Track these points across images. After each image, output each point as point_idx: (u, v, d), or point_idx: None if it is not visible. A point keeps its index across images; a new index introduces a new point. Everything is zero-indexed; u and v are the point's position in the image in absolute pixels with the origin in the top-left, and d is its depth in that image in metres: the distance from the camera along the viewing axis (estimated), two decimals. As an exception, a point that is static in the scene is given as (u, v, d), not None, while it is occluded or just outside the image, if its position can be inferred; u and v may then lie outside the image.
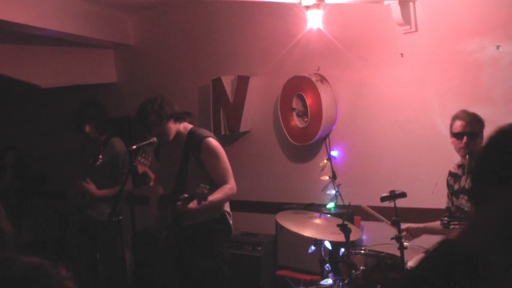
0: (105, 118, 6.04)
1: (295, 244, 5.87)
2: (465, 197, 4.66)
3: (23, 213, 8.72)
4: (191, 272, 4.88)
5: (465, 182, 4.65)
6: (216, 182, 4.70)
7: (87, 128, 5.89)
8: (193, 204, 4.41)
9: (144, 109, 4.69)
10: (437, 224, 4.58)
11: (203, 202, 4.36)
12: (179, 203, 4.38)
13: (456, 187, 4.77)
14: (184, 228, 4.77)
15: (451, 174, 4.87)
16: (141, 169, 4.91)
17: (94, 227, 5.87)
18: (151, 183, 5.83)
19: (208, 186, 4.33)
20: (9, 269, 1.53)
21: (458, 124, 4.57)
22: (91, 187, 5.78)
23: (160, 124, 4.66)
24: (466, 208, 4.65)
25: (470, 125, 4.53)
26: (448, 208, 4.89)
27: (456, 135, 4.58)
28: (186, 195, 4.30)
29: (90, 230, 5.92)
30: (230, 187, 4.72)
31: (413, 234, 4.77)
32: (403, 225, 4.59)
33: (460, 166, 4.74)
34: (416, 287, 1.67)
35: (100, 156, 5.59)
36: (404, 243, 4.08)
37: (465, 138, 4.52)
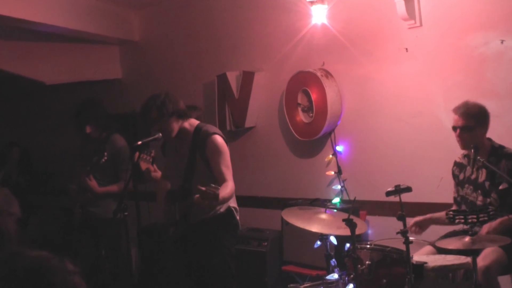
0: (105, 115, 6.05)
1: (301, 240, 5.87)
2: (470, 187, 4.67)
3: (29, 210, 8.72)
4: (198, 268, 4.89)
5: (470, 172, 4.66)
6: (217, 179, 4.70)
7: (88, 129, 5.91)
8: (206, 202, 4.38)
9: (146, 105, 4.71)
10: (442, 214, 4.60)
11: (214, 202, 4.33)
12: (197, 196, 4.29)
13: (461, 177, 4.79)
14: (192, 225, 4.78)
15: (456, 164, 4.89)
16: (143, 166, 4.91)
17: (97, 224, 5.89)
18: (154, 174, 5.83)
19: (219, 187, 4.30)
20: (15, 264, 1.54)
21: (455, 117, 4.65)
22: (93, 183, 5.79)
23: (161, 120, 4.66)
24: (471, 198, 4.66)
25: (463, 118, 4.59)
26: (455, 199, 4.90)
27: (453, 128, 4.68)
28: (204, 188, 4.22)
29: (93, 227, 5.93)
30: (232, 185, 4.71)
31: (422, 226, 4.77)
32: (409, 222, 4.61)
33: (465, 156, 4.76)
34: None
35: (106, 154, 5.60)
36: (410, 238, 4.08)
37: (457, 131, 4.62)
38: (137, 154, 4.68)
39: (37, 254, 1.59)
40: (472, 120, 4.56)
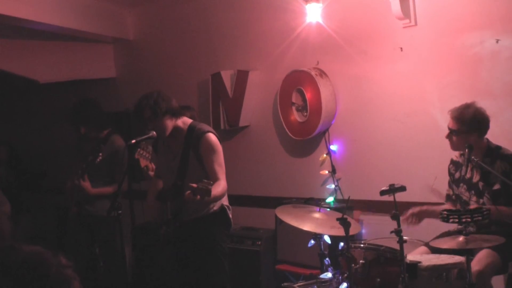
0: (99, 115, 6.02)
1: (295, 239, 5.87)
2: (465, 186, 4.68)
3: (21, 209, 8.70)
4: (191, 267, 4.89)
5: (465, 172, 4.66)
6: (210, 178, 4.69)
7: (83, 130, 5.90)
8: (197, 197, 4.37)
9: (139, 104, 4.71)
10: (438, 208, 4.61)
11: (206, 198, 4.31)
12: (188, 192, 4.27)
13: (457, 175, 4.79)
14: (184, 223, 4.77)
15: (452, 162, 4.90)
16: (143, 162, 4.91)
17: (92, 221, 5.89)
18: (151, 173, 5.81)
19: (211, 182, 4.30)
20: (8, 257, 1.55)
21: (449, 119, 4.69)
22: (86, 185, 5.77)
23: (155, 119, 4.66)
24: (464, 197, 4.66)
25: (455, 122, 4.62)
26: (448, 196, 4.90)
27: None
28: (195, 185, 4.20)
29: (88, 225, 5.93)
30: (224, 183, 4.70)
31: (419, 217, 4.75)
32: (406, 212, 4.63)
33: (462, 154, 4.76)
34: None
35: (100, 154, 5.59)
36: (404, 237, 4.08)
37: (447, 132, 4.67)
38: (137, 150, 4.67)
39: (31, 249, 1.60)
40: (464, 126, 4.55)
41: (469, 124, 4.54)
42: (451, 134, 4.64)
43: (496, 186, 4.49)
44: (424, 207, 4.79)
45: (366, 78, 6.07)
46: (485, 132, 4.63)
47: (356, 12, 6.10)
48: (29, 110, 10.11)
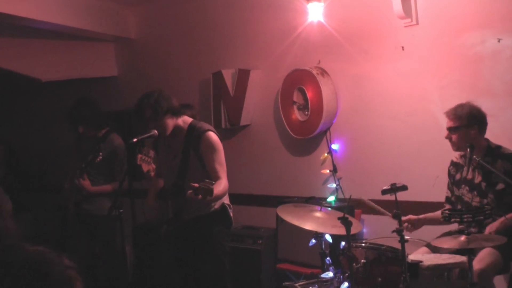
0: (97, 115, 6.01)
1: (296, 238, 5.87)
2: (467, 187, 4.66)
3: (21, 208, 8.69)
4: (192, 266, 4.88)
5: (466, 173, 4.65)
6: (211, 177, 4.68)
7: (81, 129, 5.91)
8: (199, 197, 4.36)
9: (140, 104, 4.70)
10: (437, 214, 4.59)
11: (208, 197, 4.30)
12: (190, 192, 4.26)
13: (457, 176, 4.78)
14: (185, 222, 4.77)
15: (453, 163, 4.88)
16: (145, 167, 4.90)
17: (91, 221, 5.89)
18: (152, 173, 5.81)
19: (213, 182, 4.29)
20: (10, 257, 1.55)
21: (446, 120, 4.70)
22: (86, 183, 5.78)
23: (156, 118, 4.66)
24: (466, 199, 4.65)
25: (451, 119, 4.63)
26: (447, 199, 4.89)
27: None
28: (196, 185, 4.20)
29: (88, 224, 5.93)
30: (225, 182, 4.69)
31: (415, 225, 4.79)
32: (404, 217, 4.61)
33: (462, 156, 4.75)
34: None
35: (100, 154, 5.59)
36: (405, 236, 4.07)
37: (446, 133, 4.67)
38: (139, 156, 4.66)
39: (34, 248, 1.61)
40: (460, 121, 4.56)
41: (467, 118, 4.55)
42: (450, 134, 4.64)
43: (500, 186, 4.48)
44: (422, 216, 4.82)
45: (367, 77, 6.06)
46: (485, 128, 4.63)
47: (357, 11, 6.10)
48: (30, 110, 10.10)
